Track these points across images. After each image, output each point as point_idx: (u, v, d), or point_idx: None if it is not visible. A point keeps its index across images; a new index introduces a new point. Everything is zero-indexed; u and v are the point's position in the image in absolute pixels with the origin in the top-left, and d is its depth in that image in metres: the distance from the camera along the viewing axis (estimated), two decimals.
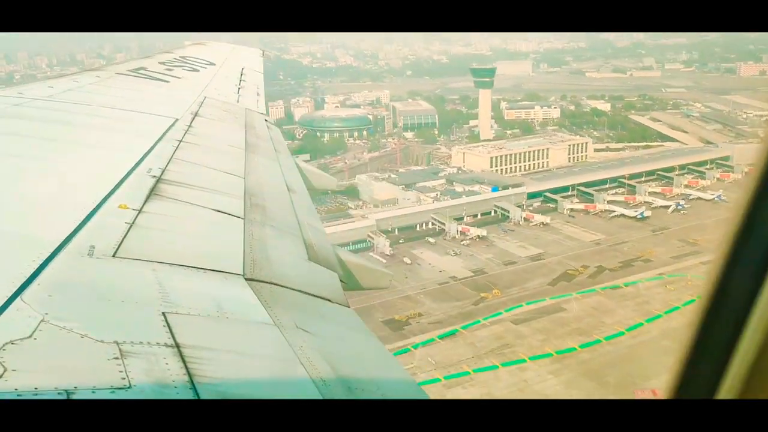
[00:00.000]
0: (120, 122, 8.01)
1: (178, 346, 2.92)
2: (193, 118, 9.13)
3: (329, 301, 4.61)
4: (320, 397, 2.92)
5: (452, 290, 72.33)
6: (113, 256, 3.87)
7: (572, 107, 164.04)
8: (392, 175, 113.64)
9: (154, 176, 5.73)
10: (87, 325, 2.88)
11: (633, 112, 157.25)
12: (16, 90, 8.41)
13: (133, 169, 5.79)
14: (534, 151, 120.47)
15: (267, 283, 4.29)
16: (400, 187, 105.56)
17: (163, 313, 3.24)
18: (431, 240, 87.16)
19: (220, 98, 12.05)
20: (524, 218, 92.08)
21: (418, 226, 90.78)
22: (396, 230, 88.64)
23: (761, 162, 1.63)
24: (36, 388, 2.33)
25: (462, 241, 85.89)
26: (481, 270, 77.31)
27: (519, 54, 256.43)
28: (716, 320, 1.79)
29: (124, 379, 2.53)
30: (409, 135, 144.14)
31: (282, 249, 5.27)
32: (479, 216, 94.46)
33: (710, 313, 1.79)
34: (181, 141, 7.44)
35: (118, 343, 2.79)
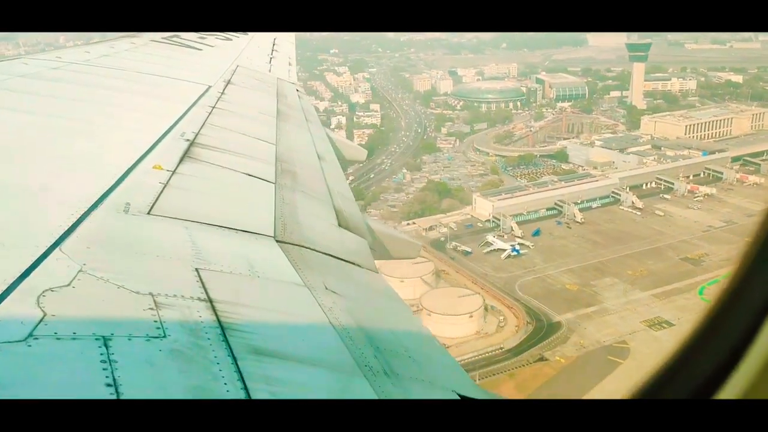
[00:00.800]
0: (154, 87, 8.09)
1: (210, 300, 2.97)
2: (226, 86, 9.18)
3: (359, 266, 4.64)
4: (348, 355, 2.95)
5: (718, 236, 79.05)
6: (148, 213, 3.93)
7: (702, 79, 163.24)
8: (597, 141, 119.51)
9: (188, 140, 5.78)
10: (123, 277, 2.94)
11: (761, 83, 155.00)
12: (54, 54, 8.54)
13: (167, 132, 5.85)
14: (719, 120, 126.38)
15: (297, 245, 4.33)
16: (615, 151, 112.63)
17: (196, 269, 3.29)
18: (666, 197, 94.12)
19: (252, 67, 12.08)
20: (737, 179, 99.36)
21: (644, 185, 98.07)
22: (627, 188, 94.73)
23: None
24: (74, 333, 2.40)
25: (695, 197, 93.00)
26: (730, 221, 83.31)
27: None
28: (726, 321, 1.76)
29: (158, 328, 2.59)
30: (563, 105, 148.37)
31: (312, 214, 5.30)
32: (691, 177, 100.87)
33: (719, 314, 1.76)
34: (214, 107, 7.50)
35: (153, 295, 2.85)
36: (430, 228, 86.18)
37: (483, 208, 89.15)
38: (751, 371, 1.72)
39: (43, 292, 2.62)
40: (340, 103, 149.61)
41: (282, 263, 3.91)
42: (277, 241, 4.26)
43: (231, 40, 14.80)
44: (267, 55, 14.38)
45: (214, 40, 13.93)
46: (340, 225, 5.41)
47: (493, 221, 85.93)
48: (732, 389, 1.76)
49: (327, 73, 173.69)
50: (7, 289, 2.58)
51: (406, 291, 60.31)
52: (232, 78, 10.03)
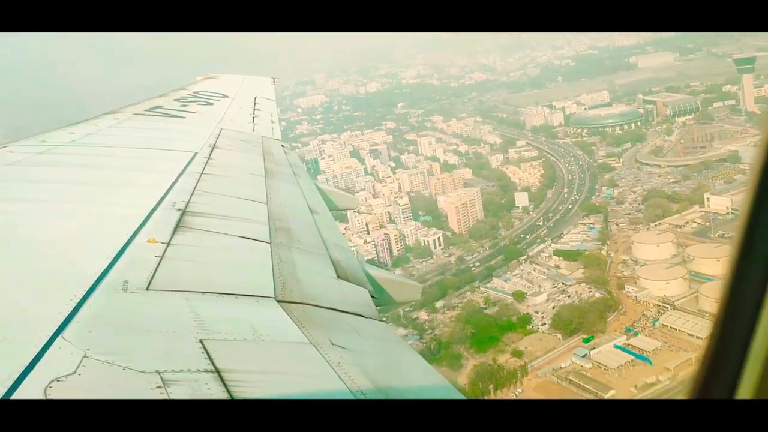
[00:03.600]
0: (142, 160, 8.17)
1: (218, 371, 2.95)
2: (212, 150, 9.28)
3: (362, 316, 4.63)
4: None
5: None
6: (147, 289, 3.93)
7: None
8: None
9: (179, 209, 5.82)
10: (128, 358, 2.93)
11: None
12: (39, 139, 8.63)
13: (159, 203, 5.89)
14: None
15: (298, 303, 4.33)
16: None
17: (201, 340, 3.28)
18: None
19: (236, 128, 12.23)
20: None
21: None
22: None
23: (762, 160, 1.62)
24: None
25: None
26: None
27: (624, 49, 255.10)
28: (733, 320, 1.77)
29: None
30: (681, 120, 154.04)
31: (310, 269, 5.31)
32: None
33: (728, 313, 1.77)
34: (202, 173, 7.56)
35: (159, 373, 2.83)
36: (684, 224, 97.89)
37: (719, 204, 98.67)
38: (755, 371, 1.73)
39: (50, 383, 2.60)
40: (481, 145, 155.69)
41: (285, 323, 3.90)
42: (278, 301, 4.26)
43: (212, 104, 15.01)
44: (249, 114, 14.58)
45: (195, 106, 14.13)
46: (339, 277, 5.42)
47: (732, 213, 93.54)
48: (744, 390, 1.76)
49: (422, 135, 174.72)
50: (14, 384, 2.57)
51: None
52: (217, 142, 10.15)
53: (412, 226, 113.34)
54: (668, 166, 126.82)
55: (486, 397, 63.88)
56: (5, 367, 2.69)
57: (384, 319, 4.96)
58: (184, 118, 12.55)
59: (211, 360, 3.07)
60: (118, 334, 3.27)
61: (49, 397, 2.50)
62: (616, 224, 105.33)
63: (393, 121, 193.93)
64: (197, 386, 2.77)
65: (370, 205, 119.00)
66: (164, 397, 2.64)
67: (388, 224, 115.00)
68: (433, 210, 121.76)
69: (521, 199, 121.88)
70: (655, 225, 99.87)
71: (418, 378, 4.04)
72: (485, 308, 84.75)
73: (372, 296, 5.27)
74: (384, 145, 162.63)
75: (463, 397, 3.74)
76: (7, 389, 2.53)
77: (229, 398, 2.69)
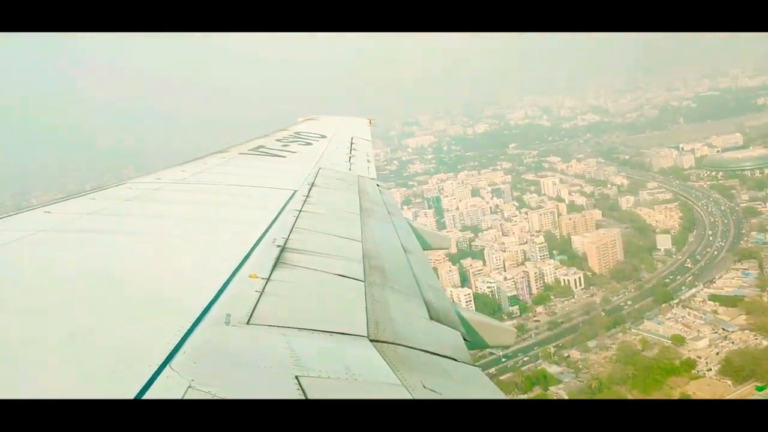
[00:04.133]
0: (246, 197, 8.57)
1: None
2: (310, 189, 9.60)
3: (454, 359, 4.57)
4: None
5: None
6: (247, 323, 4.08)
7: None
8: None
9: (279, 246, 6.04)
10: (229, 391, 3.04)
11: None
12: (154, 176, 9.27)
13: (260, 240, 6.14)
14: None
15: (391, 343, 4.34)
16: None
17: (296, 377, 3.36)
18: None
19: (333, 167, 12.60)
20: None
21: None
22: None
23: None
24: None
25: None
26: None
27: (748, 90, 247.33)
28: None
29: None
30: None
31: (403, 309, 5.32)
32: None
33: None
34: (300, 210, 7.83)
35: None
36: None
37: None
38: None
39: None
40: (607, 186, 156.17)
41: (378, 363, 3.92)
42: (371, 340, 4.29)
43: (311, 144, 15.58)
44: (346, 154, 15.00)
45: (296, 146, 14.72)
46: (431, 318, 5.39)
47: None
48: None
49: (541, 175, 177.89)
50: None
51: None
52: (315, 180, 10.49)
53: (550, 264, 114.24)
54: None
55: None
56: (118, 393, 2.86)
57: (476, 364, 4.87)
58: (284, 157, 13.09)
59: (306, 396, 3.13)
60: (221, 366, 3.41)
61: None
62: None
63: (507, 161, 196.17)
64: None
65: (503, 243, 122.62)
66: None
67: (526, 262, 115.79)
68: (567, 250, 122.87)
69: (663, 242, 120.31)
70: None
71: None
72: (642, 350, 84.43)
73: (464, 339, 5.20)
74: (507, 185, 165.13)
75: None
76: None
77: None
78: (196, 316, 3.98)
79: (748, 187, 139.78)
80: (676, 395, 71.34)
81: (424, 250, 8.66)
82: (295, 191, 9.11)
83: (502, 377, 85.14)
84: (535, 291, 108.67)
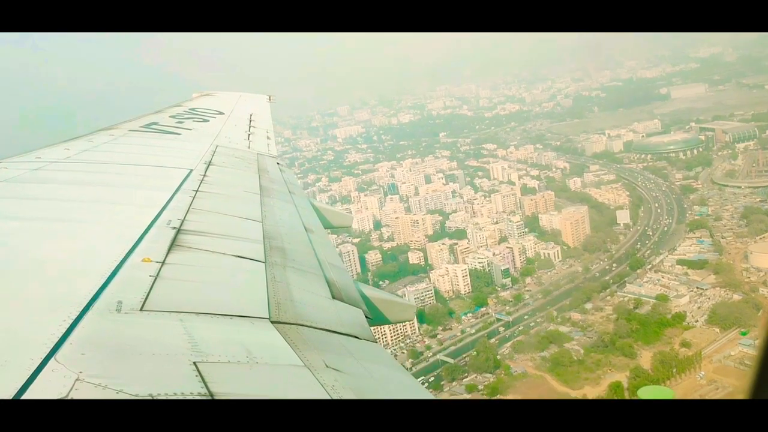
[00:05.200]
0: (137, 177, 8.16)
1: (211, 394, 2.93)
2: (207, 167, 9.29)
3: (356, 337, 4.61)
4: None
5: None
6: (141, 309, 3.91)
7: None
8: None
9: (174, 227, 5.81)
10: (121, 381, 2.91)
11: None
12: (33, 155, 8.61)
13: (154, 222, 5.88)
14: None
15: (293, 324, 4.31)
16: None
17: (195, 363, 3.26)
18: None
19: (231, 145, 12.25)
20: None
21: None
22: None
23: None
24: None
25: None
26: None
27: (647, 81, 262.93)
28: None
29: None
30: (741, 146, 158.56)
31: (305, 289, 5.29)
32: None
33: None
34: (197, 191, 7.56)
35: (152, 396, 2.80)
36: None
37: None
38: None
39: None
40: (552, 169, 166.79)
41: (279, 345, 3.88)
42: (272, 322, 4.24)
43: (208, 121, 15.05)
44: (245, 131, 14.61)
45: (192, 123, 14.16)
46: (333, 297, 5.40)
47: None
48: None
49: (483, 161, 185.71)
50: None
51: None
52: (213, 159, 10.16)
53: (529, 240, 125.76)
54: (748, 187, 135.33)
55: (671, 380, 77.95)
56: None
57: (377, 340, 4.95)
58: (179, 134, 12.57)
59: (205, 383, 3.04)
60: (111, 356, 3.25)
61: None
62: (722, 237, 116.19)
63: (444, 149, 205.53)
64: None
65: (477, 223, 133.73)
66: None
67: (507, 239, 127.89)
68: (536, 227, 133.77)
69: (622, 217, 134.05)
70: (761, 238, 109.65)
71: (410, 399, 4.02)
72: (636, 308, 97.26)
73: (367, 317, 5.25)
74: (459, 170, 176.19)
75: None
76: None
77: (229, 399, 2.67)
78: (84, 305, 3.76)
79: (678, 168, 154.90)
80: (676, 344, 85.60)
81: (325, 228, 8.64)
82: (191, 170, 8.78)
83: (517, 339, 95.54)
84: (519, 265, 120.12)
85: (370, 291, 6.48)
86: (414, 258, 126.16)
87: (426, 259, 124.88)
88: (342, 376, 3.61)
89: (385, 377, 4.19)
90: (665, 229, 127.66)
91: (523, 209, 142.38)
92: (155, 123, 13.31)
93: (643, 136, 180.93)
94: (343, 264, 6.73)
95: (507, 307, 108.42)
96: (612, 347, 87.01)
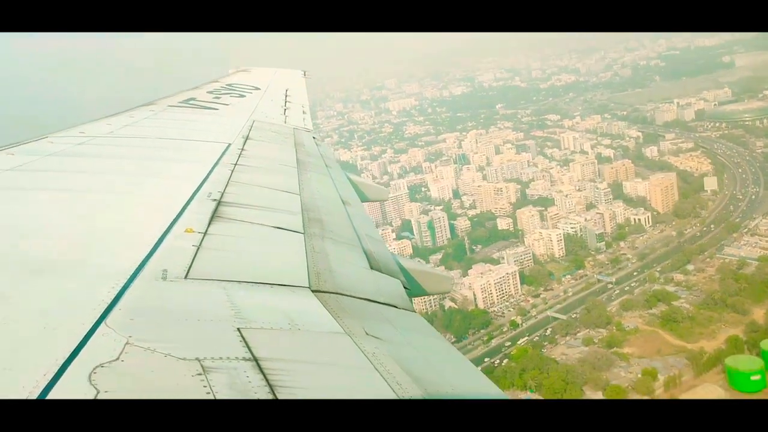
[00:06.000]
0: (177, 151, 8.29)
1: (256, 359, 2.99)
2: (245, 142, 9.37)
3: (395, 307, 4.64)
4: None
5: None
6: (185, 277, 4.00)
7: None
8: None
9: (215, 199, 5.90)
10: (169, 345, 2.99)
11: None
12: (77, 130, 8.81)
13: (195, 194, 5.98)
14: None
15: (332, 293, 4.36)
16: None
17: (238, 329, 3.33)
18: None
19: (268, 120, 12.33)
20: None
21: None
22: None
23: None
24: None
25: None
26: None
27: (707, 49, 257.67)
28: None
29: (208, 393, 2.61)
30: None
31: (343, 260, 5.33)
32: None
33: None
34: (236, 164, 7.65)
35: (199, 360, 2.88)
36: None
37: None
38: None
39: (94, 368, 2.67)
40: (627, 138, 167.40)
41: (320, 313, 3.93)
42: (312, 291, 4.29)
43: (245, 96, 15.15)
44: (281, 106, 14.68)
45: (228, 98, 14.28)
46: (371, 267, 5.43)
47: None
48: None
49: (549, 131, 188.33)
50: (59, 370, 2.63)
51: None
52: (250, 133, 10.24)
53: (619, 206, 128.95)
54: None
55: None
56: (50, 354, 2.76)
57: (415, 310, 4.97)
58: (217, 110, 12.70)
59: (249, 348, 3.11)
60: (158, 322, 3.34)
61: (94, 384, 2.55)
62: None
63: (505, 120, 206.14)
64: (236, 374, 2.81)
65: (561, 191, 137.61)
66: (203, 383, 2.69)
67: (599, 206, 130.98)
68: (621, 194, 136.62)
69: (709, 183, 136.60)
70: None
71: (449, 367, 4.04)
72: (740, 269, 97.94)
73: (405, 287, 5.28)
74: (531, 140, 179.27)
75: (492, 383, 3.76)
76: (52, 375, 2.60)
77: (271, 391, 2.72)
78: (131, 273, 3.86)
79: (757, 136, 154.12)
80: None
81: (362, 202, 8.67)
82: (229, 144, 8.87)
83: (622, 298, 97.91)
84: (609, 230, 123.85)
85: (407, 262, 6.50)
86: (502, 224, 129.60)
87: (515, 225, 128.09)
88: (382, 344, 3.64)
89: (424, 345, 4.21)
90: (753, 197, 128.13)
91: (603, 177, 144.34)
92: (193, 99, 13.46)
93: (715, 105, 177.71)
94: (380, 236, 6.75)
95: (606, 270, 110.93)
96: (722, 305, 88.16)
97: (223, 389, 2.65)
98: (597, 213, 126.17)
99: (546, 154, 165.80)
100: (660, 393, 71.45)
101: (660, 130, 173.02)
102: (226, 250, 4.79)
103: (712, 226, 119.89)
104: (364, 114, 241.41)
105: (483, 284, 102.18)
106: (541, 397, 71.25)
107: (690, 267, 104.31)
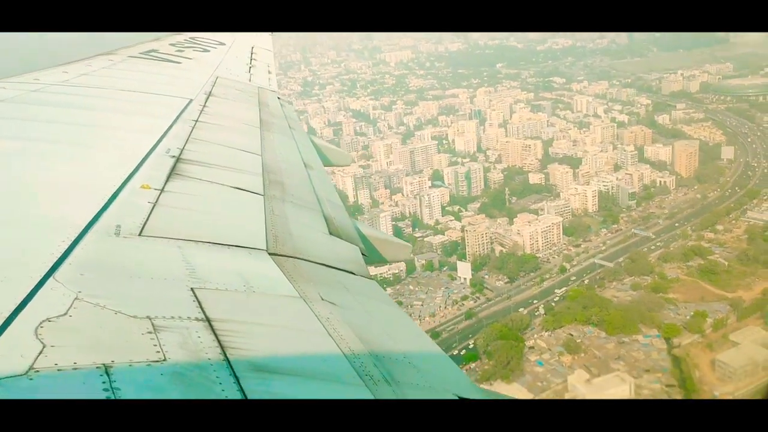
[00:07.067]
0: (136, 104, 8.05)
1: (208, 319, 2.98)
2: (207, 98, 9.16)
3: (352, 273, 4.66)
4: (348, 366, 2.97)
5: None
6: (139, 234, 3.93)
7: None
8: None
9: (173, 156, 5.77)
10: (119, 302, 2.94)
11: None
12: (31, 76, 8.46)
13: (153, 149, 5.84)
14: None
15: (290, 257, 4.34)
16: None
17: (192, 289, 3.30)
18: None
19: (232, 77, 12.05)
20: None
21: None
22: None
23: None
24: (75, 363, 2.40)
25: None
26: None
27: None
28: None
29: (158, 352, 2.59)
30: None
31: (303, 224, 5.31)
32: None
33: None
34: (197, 121, 7.48)
35: (150, 319, 2.85)
36: None
37: None
38: None
39: (41, 323, 2.61)
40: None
41: (276, 276, 3.92)
42: (269, 253, 4.27)
43: (209, 51, 14.74)
44: (246, 64, 14.34)
45: (191, 52, 13.87)
46: (330, 233, 5.43)
47: None
48: None
49: (558, 93, 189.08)
50: (4, 323, 2.58)
51: None
52: (213, 90, 10.01)
53: (646, 168, 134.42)
54: None
55: None
56: None
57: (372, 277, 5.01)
58: (179, 63, 12.34)
59: (202, 309, 3.09)
60: (110, 278, 3.28)
61: (41, 338, 2.51)
62: None
63: (509, 80, 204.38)
64: (187, 334, 2.80)
65: (587, 151, 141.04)
66: (154, 342, 2.66)
67: (629, 167, 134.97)
68: (642, 157, 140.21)
69: (726, 152, 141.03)
70: None
71: (402, 335, 4.10)
72: (766, 231, 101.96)
73: (363, 254, 5.30)
74: (547, 101, 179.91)
75: (442, 351, 3.83)
76: None
77: (222, 352, 2.71)
78: (83, 227, 3.77)
79: (762, 111, 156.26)
80: None
81: (324, 166, 8.61)
82: (191, 100, 8.66)
83: (658, 251, 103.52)
84: (637, 190, 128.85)
85: (366, 229, 6.51)
86: (534, 179, 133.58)
87: (547, 180, 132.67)
88: (337, 309, 3.67)
89: (379, 312, 4.26)
90: (765, 170, 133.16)
91: (622, 141, 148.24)
92: (155, 50, 13.03)
93: (719, 78, 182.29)
94: (340, 201, 6.74)
95: (639, 226, 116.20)
96: (755, 261, 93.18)
97: (173, 349, 2.64)
98: (626, 173, 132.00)
99: (559, 116, 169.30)
100: (709, 332, 77.38)
101: (665, 99, 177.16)
102: (183, 209, 4.71)
103: (732, 190, 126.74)
104: (361, 64, 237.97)
105: (531, 232, 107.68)
106: (602, 332, 77.86)
107: (719, 227, 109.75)
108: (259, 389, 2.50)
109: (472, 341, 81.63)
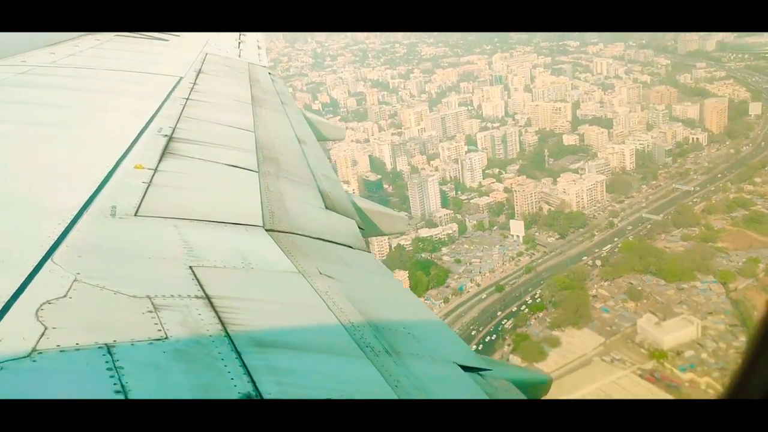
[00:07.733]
0: (125, 84, 7.97)
1: (208, 297, 2.99)
2: (197, 75, 9.08)
3: (349, 247, 4.67)
4: (348, 338, 3.00)
5: None
6: (135, 214, 3.92)
7: None
8: None
9: (166, 135, 5.74)
10: (118, 282, 2.95)
11: None
12: (19, 58, 8.36)
13: (144, 129, 5.80)
14: None
15: (287, 233, 4.35)
16: None
17: (190, 267, 3.31)
18: None
19: (221, 54, 11.93)
20: None
21: None
22: None
23: None
24: (77, 344, 2.41)
25: None
26: None
27: None
28: None
29: (160, 330, 2.61)
30: None
31: (298, 199, 5.31)
32: None
33: None
34: (187, 99, 7.42)
35: (150, 298, 2.86)
36: None
37: None
38: None
39: (41, 305, 2.62)
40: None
41: (274, 252, 3.94)
42: (266, 230, 4.28)
43: None
44: (235, 40, 14.18)
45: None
46: (326, 207, 5.43)
47: None
48: None
49: (575, 57, 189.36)
50: (4, 306, 2.59)
51: None
52: (203, 67, 9.91)
53: (679, 126, 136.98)
54: None
55: None
56: None
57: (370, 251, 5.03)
58: (167, 41, 12.20)
59: (202, 286, 3.10)
60: (108, 259, 3.28)
61: (42, 321, 2.52)
62: None
63: (523, 45, 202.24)
64: (188, 312, 2.81)
65: (616, 112, 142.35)
66: (155, 320, 2.68)
67: (662, 125, 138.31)
68: (670, 117, 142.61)
69: (754, 109, 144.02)
70: None
71: (401, 306, 4.13)
72: None
73: (359, 227, 5.31)
74: (567, 65, 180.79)
75: (442, 321, 3.86)
76: None
77: (223, 329, 2.73)
78: (78, 209, 3.77)
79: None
80: None
81: (318, 140, 8.57)
82: (181, 78, 8.58)
83: (701, 204, 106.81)
84: (671, 148, 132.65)
85: (363, 203, 6.52)
86: (568, 140, 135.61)
87: (581, 141, 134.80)
88: (335, 283, 3.69)
89: (377, 285, 4.29)
90: None
91: (648, 100, 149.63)
92: None
93: (735, 36, 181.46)
94: (336, 175, 6.73)
95: (679, 180, 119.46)
96: None
97: (174, 326, 2.66)
98: (660, 131, 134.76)
99: (580, 78, 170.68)
100: (762, 276, 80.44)
101: (683, 59, 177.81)
102: (178, 187, 4.70)
103: (765, 143, 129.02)
104: (368, 33, 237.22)
105: (577, 190, 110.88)
106: (660, 280, 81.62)
107: (757, 179, 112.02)
108: (260, 364, 2.53)
109: (538, 291, 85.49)
